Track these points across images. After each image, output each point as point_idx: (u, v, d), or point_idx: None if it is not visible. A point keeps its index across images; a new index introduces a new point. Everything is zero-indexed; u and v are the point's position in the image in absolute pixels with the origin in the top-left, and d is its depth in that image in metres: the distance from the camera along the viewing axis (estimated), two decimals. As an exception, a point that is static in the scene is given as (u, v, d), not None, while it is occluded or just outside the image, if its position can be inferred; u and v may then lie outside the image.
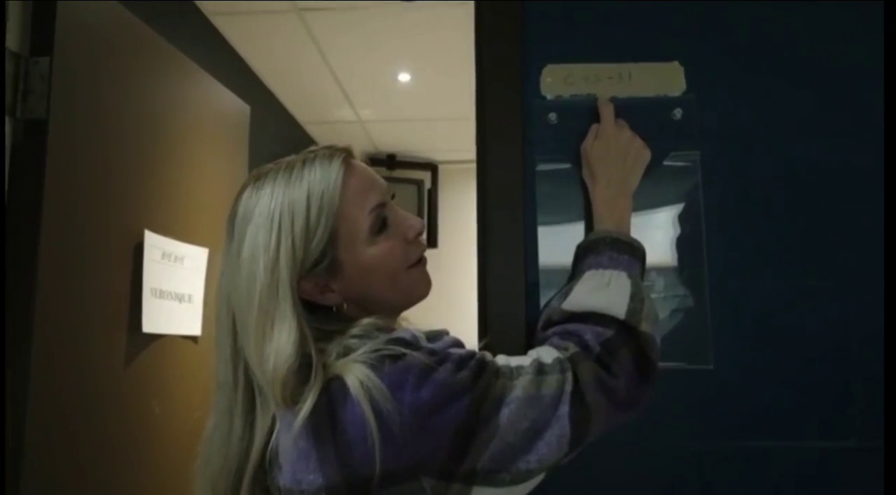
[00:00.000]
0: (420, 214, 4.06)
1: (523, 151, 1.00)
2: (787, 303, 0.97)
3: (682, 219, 1.00)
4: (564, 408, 0.70)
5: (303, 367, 0.71)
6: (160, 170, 1.72)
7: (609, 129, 0.95)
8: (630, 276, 0.83)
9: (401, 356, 0.69)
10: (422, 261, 0.84)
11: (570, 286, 0.85)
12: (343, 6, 2.41)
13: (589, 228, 0.95)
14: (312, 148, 0.82)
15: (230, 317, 0.76)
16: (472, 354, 0.72)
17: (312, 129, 3.67)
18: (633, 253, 0.85)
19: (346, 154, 0.80)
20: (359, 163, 0.82)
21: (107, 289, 1.50)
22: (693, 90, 1.01)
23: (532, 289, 0.97)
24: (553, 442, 0.69)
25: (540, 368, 0.72)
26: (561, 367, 0.73)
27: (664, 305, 0.98)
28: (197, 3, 2.38)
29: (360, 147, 3.93)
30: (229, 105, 2.13)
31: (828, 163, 0.99)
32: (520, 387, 0.70)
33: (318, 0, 2.37)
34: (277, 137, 3.19)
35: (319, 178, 0.76)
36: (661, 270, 0.99)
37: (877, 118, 0.97)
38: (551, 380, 0.71)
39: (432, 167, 4.21)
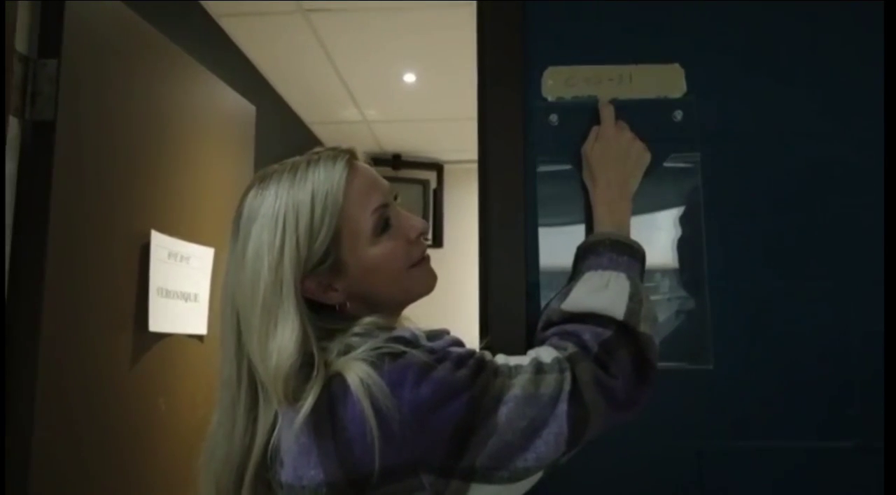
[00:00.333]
0: (426, 214, 4.07)
1: (524, 153, 1.01)
2: (786, 303, 0.97)
3: (683, 220, 1.01)
4: (563, 407, 0.71)
5: (305, 365, 0.72)
6: (166, 170, 1.73)
7: (610, 131, 0.96)
8: (629, 278, 0.83)
9: (400, 354, 0.70)
10: (424, 259, 0.85)
11: (569, 287, 0.86)
12: (348, 7, 2.42)
13: (589, 230, 0.96)
14: (317, 149, 0.83)
15: (234, 315, 0.78)
16: (471, 353, 0.73)
17: (318, 129, 3.69)
18: (632, 254, 0.86)
19: (350, 155, 0.81)
20: (362, 164, 0.83)
21: (113, 288, 1.51)
22: (693, 92, 1.02)
23: (532, 290, 0.98)
24: (551, 441, 0.70)
25: (539, 367, 0.73)
26: (560, 367, 0.74)
27: (667, 306, 0.98)
28: (203, 4, 2.40)
29: (365, 147, 3.93)
30: (235, 105, 2.14)
31: (828, 164, 1.00)
32: (518, 386, 0.71)
33: (323, 0, 2.38)
34: (283, 137, 3.20)
35: (323, 179, 0.77)
36: (662, 271, 0.99)
37: (877, 119, 0.97)
38: (550, 380, 0.72)
39: (438, 167, 4.21)
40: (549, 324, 0.84)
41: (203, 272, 1.84)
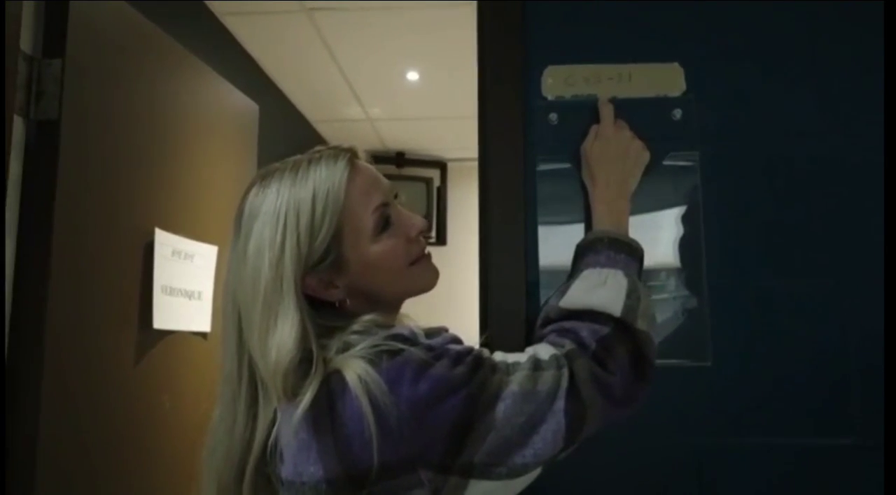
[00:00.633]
0: (429, 212, 4.07)
1: (524, 151, 1.01)
2: (785, 301, 0.98)
3: (682, 218, 1.01)
4: (560, 404, 0.72)
5: (304, 362, 0.72)
6: (170, 169, 1.74)
7: (609, 130, 0.96)
8: (627, 275, 0.84)
9: (398, 351, 0.70)
10: (425, 256, 0.86)
11: (567, 284, 0.87)
12: (352, 6, 2.43)
13: (589, 228, 0.97)
14: (318, 148, 0.84)
15: (236, 311, 0.79)
16: (469, 350, 0.73)
17: (321, 127, 3.70)
18: (630, 252, 0.86)
19: (352, 154, 0.82)
20: (363, 163, 0.84)
21: (118, 286, 1.52)
22: (693, 91, 1.02)
23: (532, 288, 0.99)
24: (549, 437, 0.71)
25: (536, 364, 0.74)
26: (557, 364, 0.74)
27: (672, 304, 0.99)
28: (206, 3, 2.41)
29: (368, 145, 3.95)
30: (238, 104, 2.15)
31: (827, 163, 1.00)
32: (516, 383, 0.71)
33: (327, 0, 2.39)
34: (287, 135, 3.21)
35: (325, 177, 0.78)
36: (667, 271, 1.00)
37: (876, 118, 0.98)
38: (547, 376, 0.72)
39: (441, 165, 4.22)
40: (548, 321, 0.85)
41: (207, 270, 1.85)
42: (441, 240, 4.10)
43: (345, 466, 0.67)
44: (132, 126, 1.59)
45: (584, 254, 0.88)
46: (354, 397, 0.67)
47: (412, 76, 3.07)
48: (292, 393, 0.71)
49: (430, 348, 0.72)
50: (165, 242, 1.67)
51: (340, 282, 0.80)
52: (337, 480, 0.67)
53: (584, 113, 1.00)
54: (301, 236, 0.76)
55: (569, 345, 0.77)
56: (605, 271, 0.84)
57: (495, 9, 1.05)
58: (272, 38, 2.70)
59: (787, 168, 1.00)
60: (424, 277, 0.85)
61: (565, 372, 0.73)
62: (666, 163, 1.01)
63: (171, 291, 1.69)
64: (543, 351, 0.77)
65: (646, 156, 0.96)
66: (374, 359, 0.70)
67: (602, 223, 0.90)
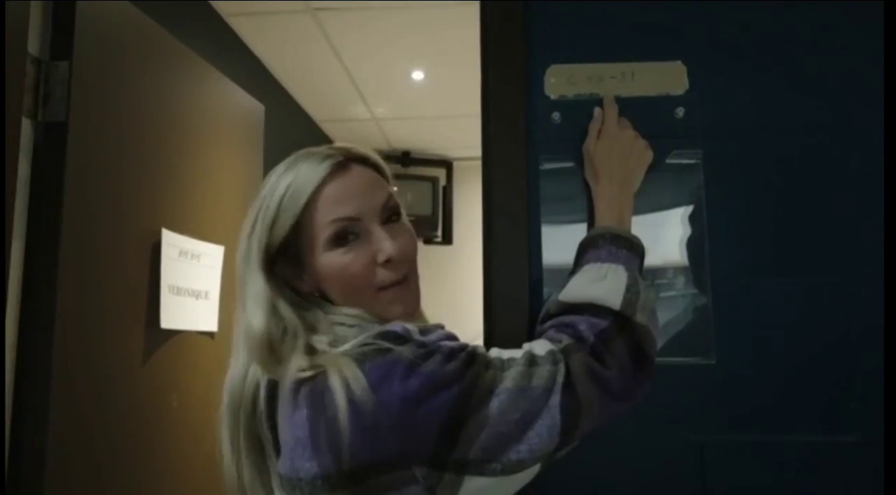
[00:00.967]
0: (435, 211, 4.07)
1: (527, 150, 1.02)
2: (788, 298, 0.98)
3: (685, 216, 1.01)
4: (556, 399, 0.71)
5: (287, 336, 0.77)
6: (176, 169, 1.75)
7: (613, 129, 0.96)
8: (627, 269, 0.83)
9: (390, 348, 0.71)
10: (395, 284, 0.81)
11: (568, 279, 0.87)
12: (356, 5, 2.43)
13: (591, 226, 0.97)
14: (329, 145, 0.86)
15: None
16: (462, 347, 0.74)
17: (327, 127, 3.71)
18: (631, 248, 0.86)
19: (346, 158, 0.83)
20: (357, 171, 0.83)
21: (125, 286, 1.54)
22: (695, 89, 1.02)
23: (536, 287, 0.99)
24: (544, 433, 0.70)
25: (531, 360, 0.74)
26: (553, 359, 0.74)
27: (681, 302, 0.99)
28: (212, 3, 2.42)
29: (374, 144, 3.95)
30: (244, 104, 2.16)
31: (828, 162, 1.00)
32: (510, 378, 0.71)
33: (331, 0, 2.40)
34: (293, 135, 3.23)
35: (302, 177, 0.80)
36: (674, 269, 1.00)
37: (877, 116, 0.98)
38: (543, 372, 0.72)
39: (447, 164, 4.22)
40: (548, 316, 0.85)
41: (214, 270, 1.87)
42: (447, 239, 4.11)
43: (339, 462, 0.68)
44: (138, 127, 1.60)
45: (585, 250, 0.88)
46: (347, 394, 0.68)
47: (417, 75, 3.08)
48: (275, 363, 0.75)
49: (422, 345, 0.72)
50: (172, 242, 1.68)
51: (306, 278, 0.83)
52: (331, 476, 0.68)
53: (587, 112, 1.01)
54: (265, 223, 0.80)
55: (566, 340, 0.77)
56: (606, 266, 0.84)
57: (498, 8, 1.06)
58: (277, 39, 2.71)
59: (790, 166, 1.00)
60: (388, 307, 0.81)
61: (561, 367, 0.73)
62: (669, 161, 1.01)
63: (179, 291, 1.70)
64: (540, 346, 0.76)
65: (649, 155, 0.96)
66: (366, 356, 0.71)
67: (604, 220, 0.90)
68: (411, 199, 3.98)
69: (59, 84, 1.35)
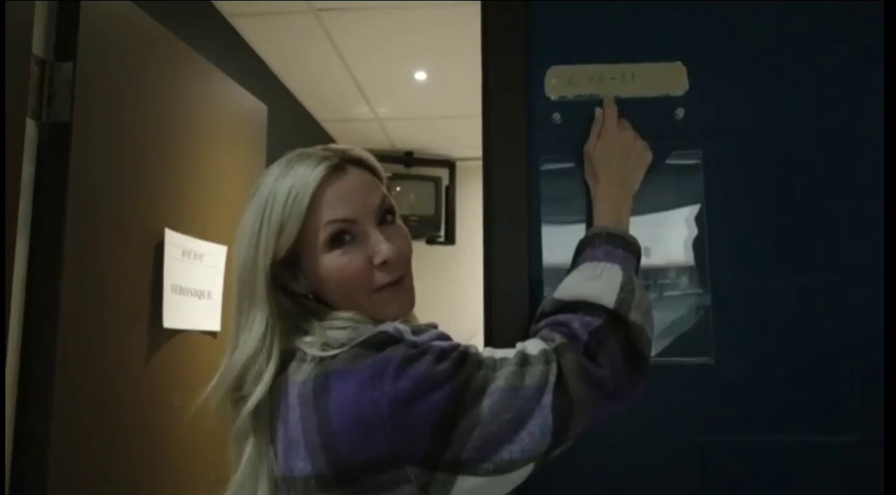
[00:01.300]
0: (438, 211, 4.07)
1: (528, 151, 1.02)
2: (788, 298, 0.98)
3: (685, 217, 1.01)
4: (548, 399, 0.71)
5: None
6: (179, 169, 1.76)
7: (612, 130, 0.96)
8: (623, 269, 0.83)
9: (382, 348, 0.71)
10: (392, 285, 0.82)
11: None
12: (359, 6, 2.44)
13: (591, 226, 0.97)
14: (326, 145, 0.86)
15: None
16: (454, 346, 0.74)
17: (330, 127, 3.72)
18: (628, 248, 0.86)
19: (342, 160, 0.83)
20: (351, 172, 0.83)
21: (128, 285, 1.54)
22: (695, 89, 1.02)
23: (536, 287, 0.99)
24: (536, 433, 0.70)
25: (524, 360, 0.73)
26: (545, 358, 0.73)
27: (684, 302, 0.99)
28: (215, 4, 2.43)
29: (377, 145, 3.96)
30: (246, 104, 2.17)
31: (828, 162, 1.00)
32: (502, 378, 0.71)
33: (334, 0, 2.40)
34: (296, 135, 3.23)
35: (301, 179, 0.80)
36: (677, 269, 1.00)
37: (877, 117, 0.98)
38: (535, 371, 0.72)
39: (450, 164, 4.22)
40: (542, 315, 0.85)
41: (216, 269, 1.87)
42: (450, 239, 4.11)
43: (331, 462, 0.68)
44: (142, 127, 1.61)
45: (582, 250, 0.88)
46: (338, 395, 0.69)
47: (420, 75, 3.08)
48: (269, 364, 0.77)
49: (413, 345, 0.72)
50: (175, 242, 1.69)
51: (301, 279, 0.83)
52: (325, 476, 0.69)
53: (587, 113, 1.01)
54: (272, 229, 0.79)
55: (559, 339, 0.77)
56: (602, 265, 0.84)
57: (498, 9, 1.06)
58: (280, 39, 2.71)
59: (789, 166, 1.01)
60: (386, 308, 0.81)
61: (553, 367, 0.73)
62: (669, 162, 1.02)
63: (181, 291, 1.71)
64: (532, 346, 0.76)
65: (648, 156, 0.96)
66: (358, 356, 0.71)
67: (602, 220, 0.91)
68: (414, 199, 3.98)
69: (63, 85, 1.36)
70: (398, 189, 3.94)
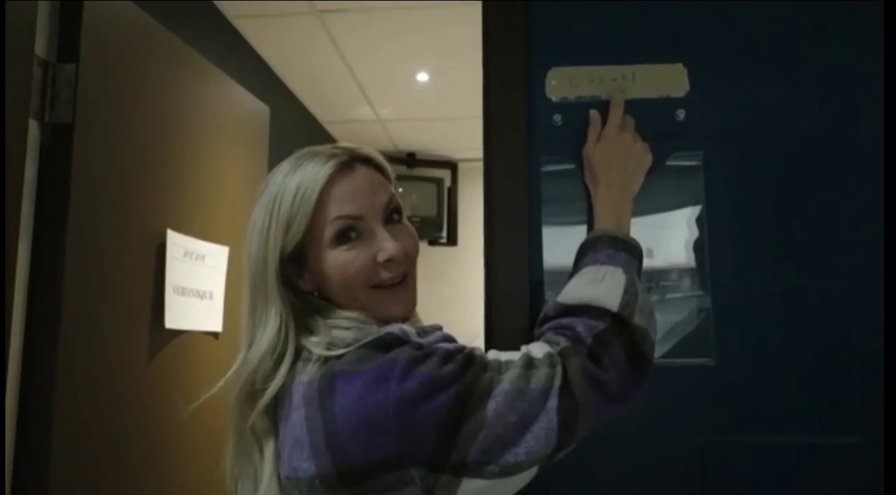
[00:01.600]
0: (440, 212, 4.07)
1: (528, 152, 1.02)
2: (789, 300, 0.98)
3: (686, 218, 1.02)
4: (553, 402, 0.71)
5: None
6: (181, 171, 1.76)
7: (612, 133, 0.96)
8: (626, 272, 0.83)
9: (388, 350, 0.71)
10: (396, 284, 0.82)
11: (567, 282, 0.87)
12: (361, 7, 2.44)
13: (591, 229, 0.97)
14: (333, 144, 0.86)
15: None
16: (460, 349, 0.74)
17: (332, 129, 3.72)
18: (630, 251, 0.86)
19: (350, 158, 0.83)
20: (361, 170, 0.84)
21: (131, 286, 1.55)
22: (696, 91, 1.03)
23: (536, 288, 1.00)
24: (541, 436, 0.70)
25: (529, 363, 0.73)
26: (550, 362, 0.74)
27: (684, 304, 0.99)
28: (217, 5, 2.43)
29: (379, 146, 3.96)
30: (249, 106, 2.17)
31: (829, 162, 1.00)
32: (507, 381, 0.71)
33: (337, 1, 2.41)
34: (298, 137, 3.24)
35: (310, 176, 0.80)
36: (679, 270, 1.00)
37: (877, 117, 0.98)
38: (540, 374, 0.72)
39: (452, 165, 4.22)
40: (546, 318, 0.85)
41: (218, 270, 1.88)
42: (452, 240, 4.11)
43: (335, 463, 0.68)
44: (144, 129, 1.61)
45: (584, 253, 0.88)
46: (343, 396, 0.69)
47: (422, 77, 3.08)
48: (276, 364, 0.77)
49: (419, 347, 0.72)
50: (177, 243, 1.69)
51: (307, 277, 0.84)
52: (328, 477, 0.69)
53: (588, 114, 1.01)
54: (280, 225, 0.80)
55: (563, 342, 0.77)
56: (604, 268, 0.84)
57: (499, 10, 1.06)
58: (283, 41, 2.72)
59: (790, 168, 1.01)
60: (388, 306, 0.82)
61: (558, 370, 0.73)
62: (670, 163, 1.02)
63: (183, 291, 1.71)
64: (537, 349, 0.76)
65: (648, 159, 0.96)
66: (363, 357, 0.71)
67: (603, 223, 0.91)
68: (416, 200, 3.98)
69: (66, 86, 1.36)
70: (400, 190, 3.94)
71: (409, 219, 0.88)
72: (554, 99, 1.04)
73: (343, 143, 0.87)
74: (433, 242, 4.06)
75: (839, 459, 0.95)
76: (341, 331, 0.77)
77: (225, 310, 1.88)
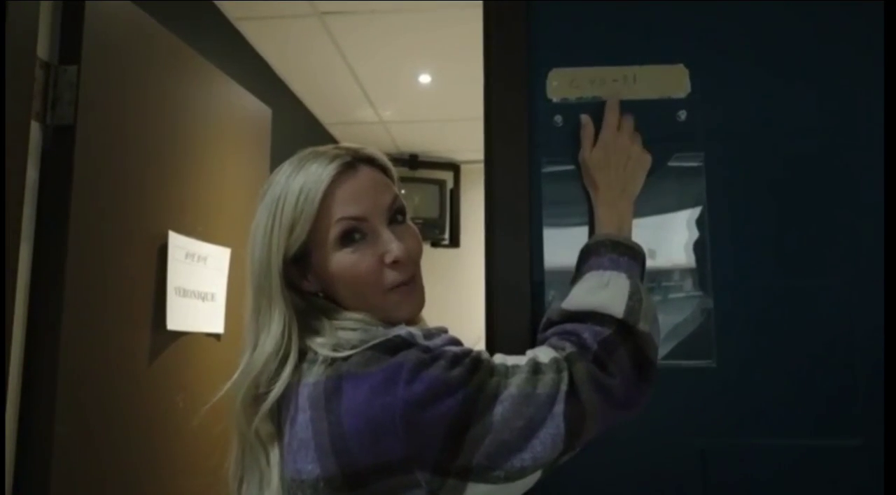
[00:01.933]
0: (442, 214, 4.07)
1: (529, 153, 1.02)
2: (790, 301, 0.98)
3: (688, 219, 1.01)
4: (559, 407, 0.71)
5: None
6: (183, 172, 1.77)
7: (608, 138, 0.95)
8: (629, 277, 0.83)
9: (395, 352, 0.71)
10: (404, 285, 0.81)
11: (570, 287, 0.87)
12: (363, 8, 2.44)
13: (592, 231, 0.97)
14: (336, 145, 0.86)
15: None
16: (467, 352, 0.73)
17: (335, 130, 3.72)
18: (633, 255, 0.86)
19: (354, 159, 0.83)
20: (365, 171, 0.83)
21: (132, 288, 1.55)
22: (697, 92, 1.02)
23: (537, 289, 0.99)
24: (547, 441, 0.70)
25: (536, 367, 0.73)
26: (557, 367, 0.73)
27: (685, 305, 0.99)
28: (219, 6, 2.43)
29: (382, 147, 3.92)
30: (251, 107, 2.18)
31: (830, 163, 1.00)
32: (514, 385, 0.71)
33: (339, 1, 2.41)
34: (300, 138, 3.24)
35: (313, 177, 0.79)
36: (681, 271, 1.00)
37: (877, 118, 0.97)
38: (547, 379, 0.72)
39: (454, 167, 4.22)
40: (550, 323, 0.84)
41: (220, 272, 1.88)
42: (454, 241, 4.11)
43: (341, 465, 0.68)
44: (146, 130, 1.61)
45: (586, 258, 0.88)
46: (350, 398, 0.69)
47: (424, 79, 3.08)
48: (281, 366, 0.76)
49: (426, 350, 0.72)
50: (179, 245, 1.69)
51: (311, 278, 0.83)
52: (333, 479, 0.68)
53: (589, 115, 1.01)
54: (283, 227, 0.79)
55: (569, 347, 0.77)
56: (608, 274, 0.84)
57: (500, 10, 1.06)
58: (285, 42, 2.72)
59: (791, 168, 1.00)
60: (397, 308, 0.81)
61: (565, 375, 0.73)
62: (671, 164, 1.01)
63: (185, 293, 1.71)
64: (543, 354, 0.76)
65: (647, 159, 0.95)
66: (370, 360, 0.71)
67: (604, 226, 0.90)
68: (418, 202, 3.98)
69: (68, 88, 1.36)
70: (402, 192, 3.95)
71: (412, 220, 0.88)
72: (555, 100, 1.04)
73: (346, 144, 0.86)
74: (435, 244, 4.06)
75: (840, 461, 0.94)
76: (347, 333, 0.77)
77: (227, 312, 1.88)
